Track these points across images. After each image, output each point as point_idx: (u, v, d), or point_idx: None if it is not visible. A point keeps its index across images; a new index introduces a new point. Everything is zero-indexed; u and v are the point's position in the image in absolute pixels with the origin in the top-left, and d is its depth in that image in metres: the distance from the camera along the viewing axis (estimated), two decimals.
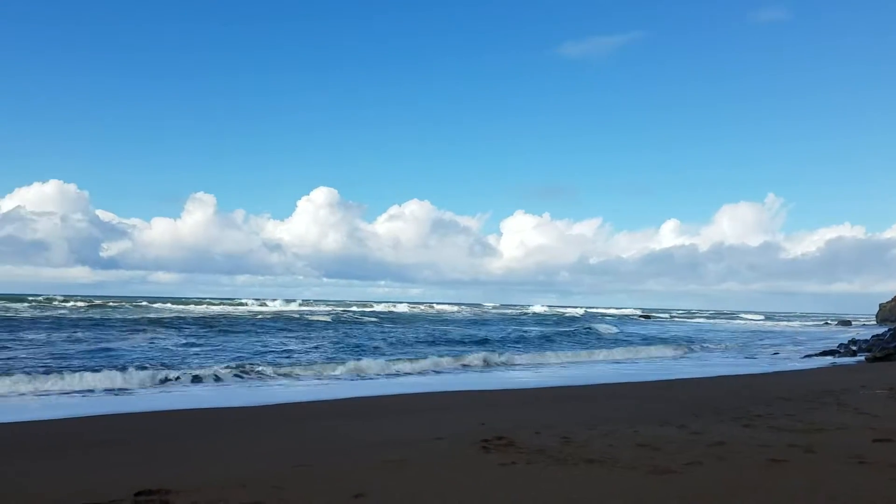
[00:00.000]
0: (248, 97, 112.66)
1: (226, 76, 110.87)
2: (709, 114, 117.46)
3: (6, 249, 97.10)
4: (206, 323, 37.64)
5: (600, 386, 15.53)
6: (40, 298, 71.44)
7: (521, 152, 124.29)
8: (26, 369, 15.28)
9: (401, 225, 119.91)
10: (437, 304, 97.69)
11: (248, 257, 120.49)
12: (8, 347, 21.20)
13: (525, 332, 40.38)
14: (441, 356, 21.82)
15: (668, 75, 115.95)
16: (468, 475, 6.17)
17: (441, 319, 54.84)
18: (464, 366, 20.42)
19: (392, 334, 33.90)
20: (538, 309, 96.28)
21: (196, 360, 19.25)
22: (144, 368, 15.80)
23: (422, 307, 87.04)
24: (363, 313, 59.30)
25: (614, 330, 43.01)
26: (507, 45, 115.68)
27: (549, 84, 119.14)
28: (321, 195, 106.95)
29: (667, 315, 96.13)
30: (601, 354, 25.95)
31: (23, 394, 12.92)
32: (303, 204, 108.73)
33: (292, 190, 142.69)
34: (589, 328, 44.51)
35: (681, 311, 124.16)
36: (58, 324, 32.89)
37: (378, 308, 77.22)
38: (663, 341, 33.77)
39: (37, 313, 42.84)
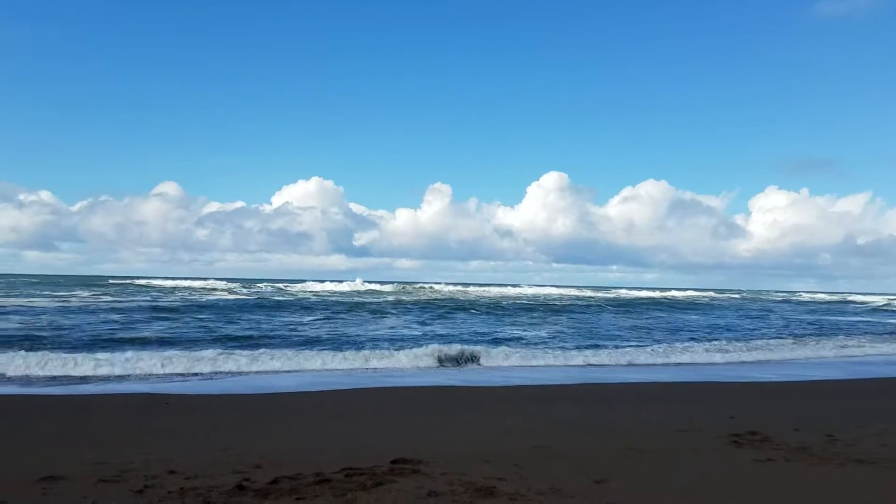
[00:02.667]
0: (479, 89, 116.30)
1: (459, 74, 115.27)
2: None
3: (278, 240, 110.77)
4: (476, 307, 39.96)
5: (870, 381, 13.88)
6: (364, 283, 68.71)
7: (774, 121, 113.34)
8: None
9: (635, 207, 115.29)
10: (677, 289, 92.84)
11: (480, 244, 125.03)
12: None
13: None
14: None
15: None
16: (718, 470, 5.88)
17: (713, 306, 51.15)
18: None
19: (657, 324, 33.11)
20: (821, 297, 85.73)
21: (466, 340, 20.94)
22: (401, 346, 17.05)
23: (694, 293, 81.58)
24: (604, 299, 58.28)
25: None
26: (761, 4, 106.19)
27: (806, 44, 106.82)
28: (551, 180, 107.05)
29: None
30: None
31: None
32: (532, 190, 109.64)
33: (522, 176, 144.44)
34: None
35: None
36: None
37: (620, 293, 74.82)
38: None
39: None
